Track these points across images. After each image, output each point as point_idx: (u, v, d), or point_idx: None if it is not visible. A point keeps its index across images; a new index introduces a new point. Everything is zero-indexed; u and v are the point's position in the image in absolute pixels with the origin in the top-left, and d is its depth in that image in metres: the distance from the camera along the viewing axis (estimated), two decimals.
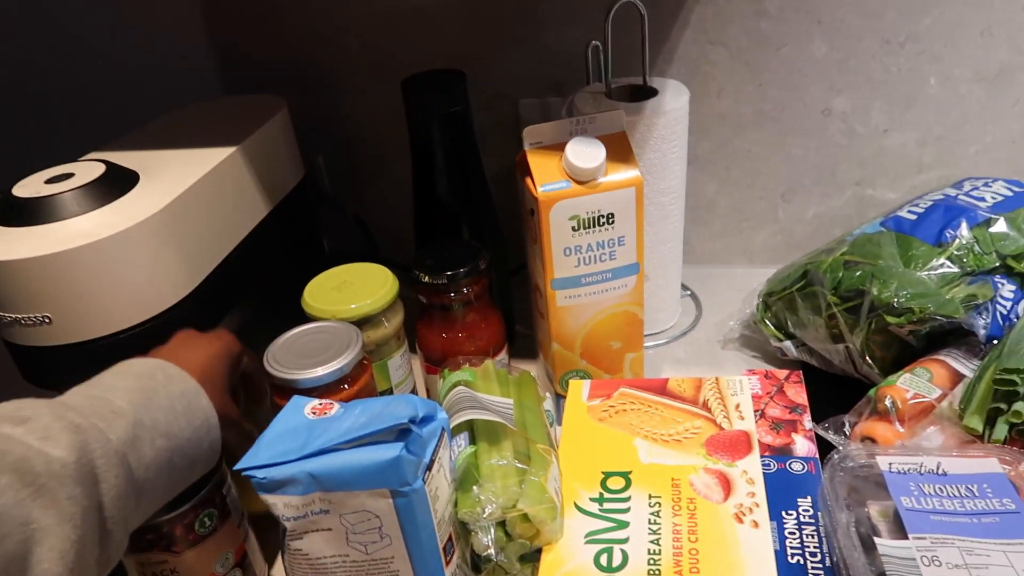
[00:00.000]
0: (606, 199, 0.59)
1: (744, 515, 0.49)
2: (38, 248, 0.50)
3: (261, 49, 0.86)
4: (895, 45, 0.73)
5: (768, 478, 0.53)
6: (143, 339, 0.54)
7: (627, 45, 0.72)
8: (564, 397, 0.62)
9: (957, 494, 0.45)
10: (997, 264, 0.64)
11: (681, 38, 0.77)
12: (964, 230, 0.65)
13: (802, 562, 0.47)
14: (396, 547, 0.45)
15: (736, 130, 0.80)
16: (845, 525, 0.45)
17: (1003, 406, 0.54)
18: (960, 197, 0.69)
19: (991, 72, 0.73)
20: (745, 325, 0.78)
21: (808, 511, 0.51)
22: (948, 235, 0.65)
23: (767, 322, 0.73)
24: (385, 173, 0.91)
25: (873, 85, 0.75)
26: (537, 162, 0.59)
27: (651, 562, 0.47)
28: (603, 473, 0.54)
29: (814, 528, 0.49)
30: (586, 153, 0.57)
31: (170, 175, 0.58)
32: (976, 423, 0.55)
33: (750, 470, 0.53)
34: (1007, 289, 0.62)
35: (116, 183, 0.55)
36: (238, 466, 0.44)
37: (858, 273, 0.65)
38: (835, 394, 0.64)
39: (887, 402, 0.59)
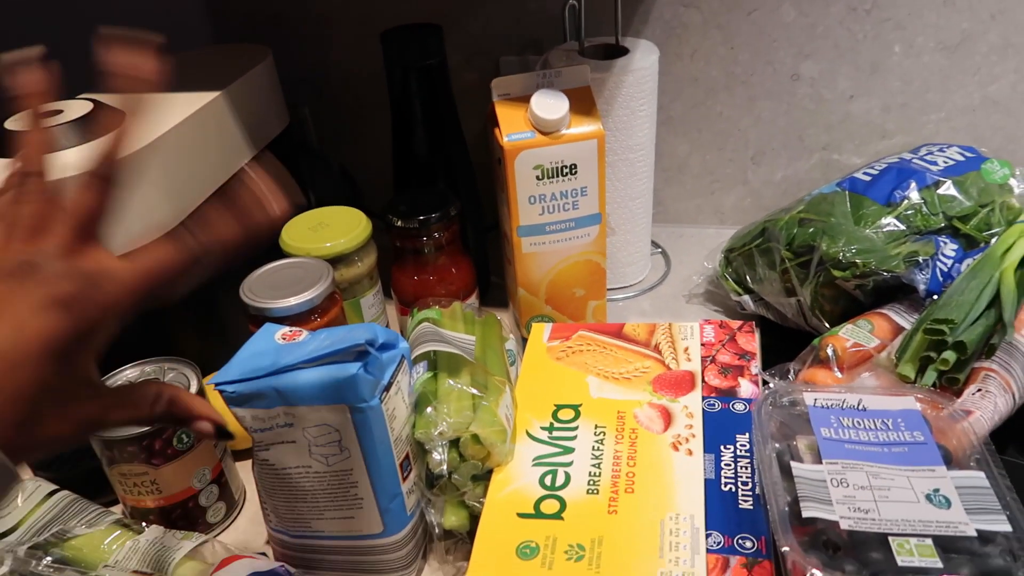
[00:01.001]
0: (569, 150, 0.62)
1: (680, 444, 0.53)
2: None
3: (249, 2, 0.88)
4: (861, 12, 0.75)
5: (712, 415, 0.57)
6: None
7: (605, 6, 0.74)
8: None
9: (873, 427, 0.49)
10: (943, 225, 0.67)
11: (656, 1, 0.79)
12: (913, 191, 0.68)
13: (734, 490, 0.51)
14: (355, 460, 0.48)
15: (708, 92, 0.83)
16: (768, 454, 0.49)
17: (933, 355, 0.58)
18: (914, 161, 0.72)
19: (953, 41, 0.75)
20: (709, 281, 0.81)
21: (745, 447, 0.54)
22: (897, 195, 0.68)
23: (727, 277, 0.77)
24: (367, 126, 0.94)
25: (840, 51, 0.78)
26: (504, 113, 0.62)
27: (591, 483, 0.51)
28: (555, 405, 0.58)
29: (748, 461, 0.53)
30: (550, 105, 0.60)
31: (155, 116, 0.61)
32: (909, 371, 0.59)
33: (691, 406, 0.56)
34: (949, 248, 0.65)
35: (103, 121, 0.58)
36: (211, 380, 0.47)
37: (811, 230, 0.68)
38: (789, 346, 0.67)
39: (828, 350, 0.62)
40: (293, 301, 0.57)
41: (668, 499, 0.50)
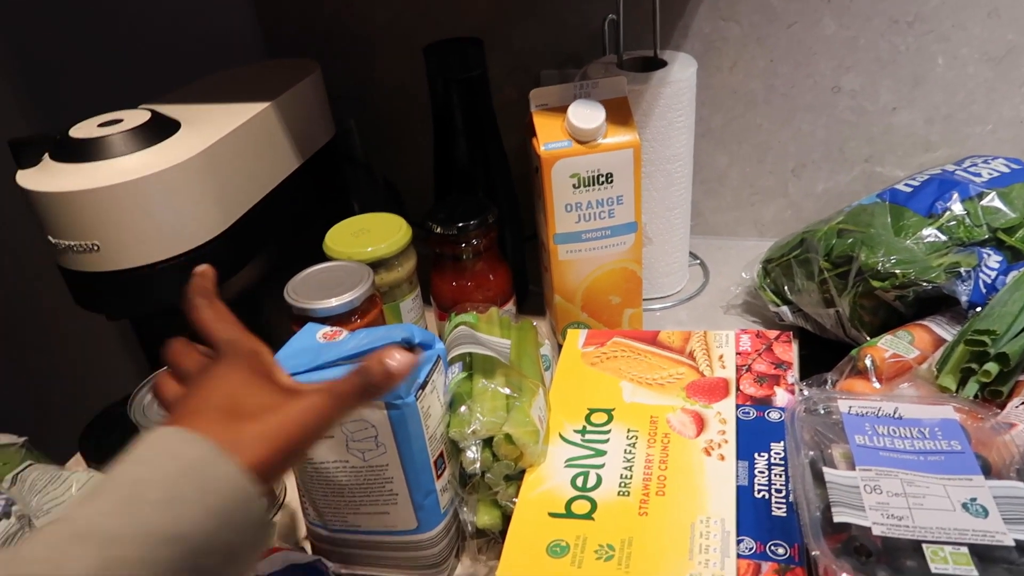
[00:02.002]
0: (605, 159, 0.63)
1: (712, 449, 0.53)
2: (89, 182, 0.57)
3: (301, 19, 0.92)
4: (903, 24, 0.75)
5: (747, 423, 0.57)
6: (178, 271, 0.60)
7: (645, 20, 0.75)
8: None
9: (908, 435, 0.49)
10: (987, 236, 0.66)
11: (695, 15, 0.80)
12: (956, 203, 0.67)
13: (767, 497, 0.51)
14: (391, 456, 0.50)
15: (748, 105, 0.83)
16: (801, 460, 0.49)
17: (975, 366, 0.57)
18: (957, 172, 0.71)
19: (998, 53, 0.74)
20: (747, 292, 0.81)
21: (779, 455, 0.54)
22: (939, 207, 0.67)
23: (766, 287, 0.76)
24: (411, 138, 0.96)
25: (882, 63, 0.77)
26: (542, 122, 0.63)
27: (622, 485, 0.52)
28: (588, 409, 0.58)
29: (783, 469, 0.53)
30: (587, 114, 0.61)
31: (208, 125, 0.64)
32: (950, 382, 0.58)
33: (724, 412, 0.57)
34: (993, 260, 0.64)
35: (160, 129, 0.61)
36: None
37: (849, 240, 0.67)
38: (828, 357, 0.66)
39: (867, 361, 0.62)
40: (334, 302, 0.58)
41: (699, 502, 0.50)
